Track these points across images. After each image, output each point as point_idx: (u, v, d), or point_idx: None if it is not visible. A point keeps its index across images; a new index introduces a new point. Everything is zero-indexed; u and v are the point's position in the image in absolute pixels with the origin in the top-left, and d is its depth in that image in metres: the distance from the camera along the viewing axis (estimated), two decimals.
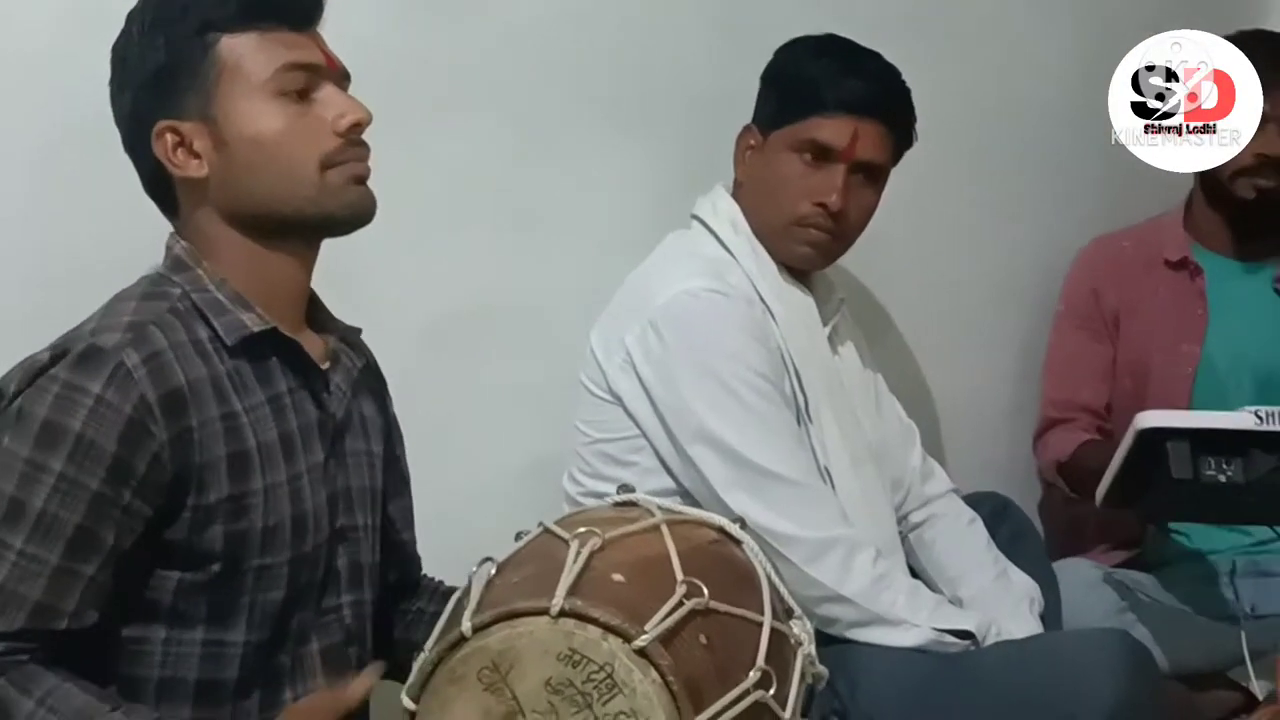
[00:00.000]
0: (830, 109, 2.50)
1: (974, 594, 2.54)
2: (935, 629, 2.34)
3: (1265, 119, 2.95)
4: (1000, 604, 2.51)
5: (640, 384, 2.45)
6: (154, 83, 1.87)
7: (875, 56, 2.57)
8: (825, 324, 2.60)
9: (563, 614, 1.63)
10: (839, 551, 2.35)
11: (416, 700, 1.66)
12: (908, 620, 2.34)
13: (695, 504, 2.35)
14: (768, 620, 1.77)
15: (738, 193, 2.59)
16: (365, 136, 1.92)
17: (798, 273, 2.58)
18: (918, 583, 2.47)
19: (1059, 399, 3.27)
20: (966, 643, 2.34)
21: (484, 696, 1.63)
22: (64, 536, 1.75)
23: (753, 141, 2.57)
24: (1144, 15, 3.13)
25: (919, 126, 2.63)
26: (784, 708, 1.74)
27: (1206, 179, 3.17)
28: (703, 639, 1.69)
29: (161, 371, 1.80)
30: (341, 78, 1.94)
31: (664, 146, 2.80)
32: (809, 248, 2.54)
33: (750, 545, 1.91)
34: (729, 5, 2.91)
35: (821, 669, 1.87)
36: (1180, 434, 2.35)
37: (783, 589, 1.88)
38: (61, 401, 1.76)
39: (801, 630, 1.84)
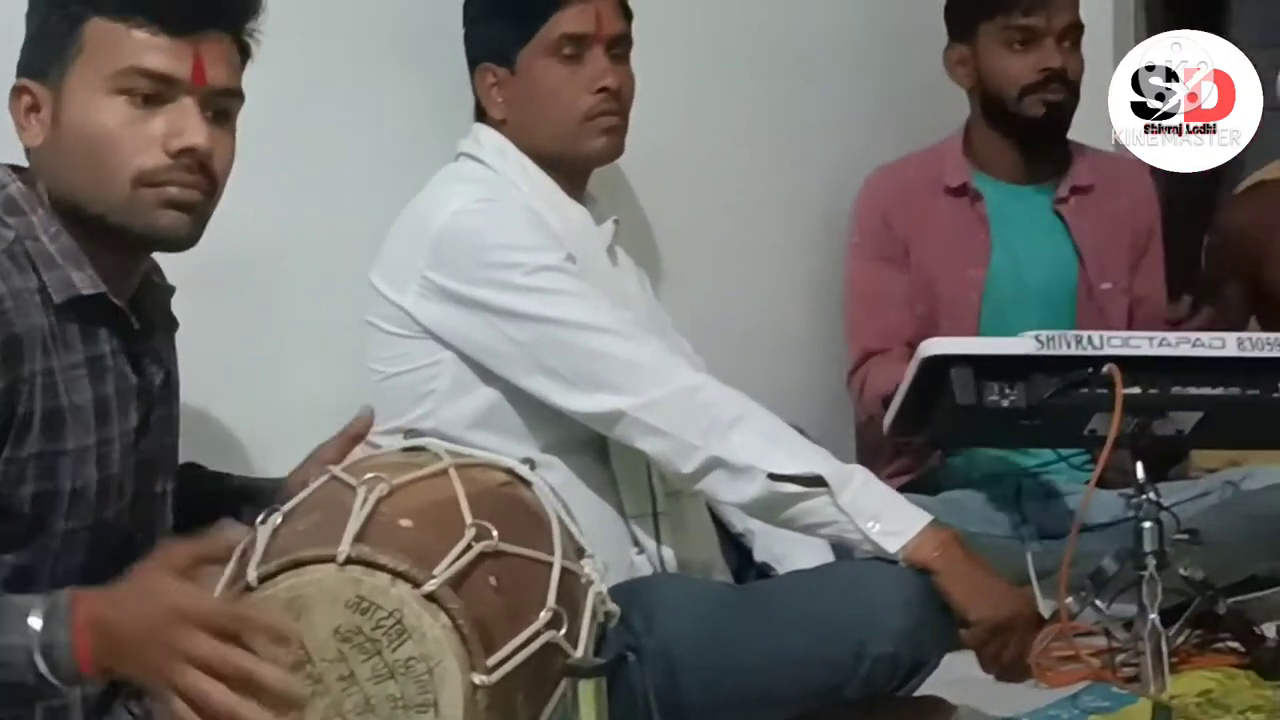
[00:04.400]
0: (564, 1, 2.51)
1: (766, 525, 2.55)
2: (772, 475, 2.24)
3: (1040, 34, 3.08)
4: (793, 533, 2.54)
5: (458, 306, 2.40)
6: (29, 38, 1.85)
7: None
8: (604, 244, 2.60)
9: (349, 561, 1.64)
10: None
11: None
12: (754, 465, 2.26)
13: (500, 423, 2.37)
14: (558, 560, 1.78)
15: (503, 130, 2.58)
16: None
17: (572, 189, 2.58)
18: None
19: (871, 330, 3.28)
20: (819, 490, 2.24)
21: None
22: None
23: (493, 78, 2.58)
24: None
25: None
26: (575, 646, 1.75)
27: (990, 102, 3.23)
28: (493, 581, 1.70)
29: (1, 319, 1.75)
30: (217, 95, 1.86)
31: (447, 83, 2.77)
32: (607, 135, 2.55)
33: (540, 486, 1.92)
34: None
35: (613, 606, 1.89)
36: (964, 360, 2.41)
37: (573, 528, 1.89)
38: None
39: (592, 569, 1.86)
